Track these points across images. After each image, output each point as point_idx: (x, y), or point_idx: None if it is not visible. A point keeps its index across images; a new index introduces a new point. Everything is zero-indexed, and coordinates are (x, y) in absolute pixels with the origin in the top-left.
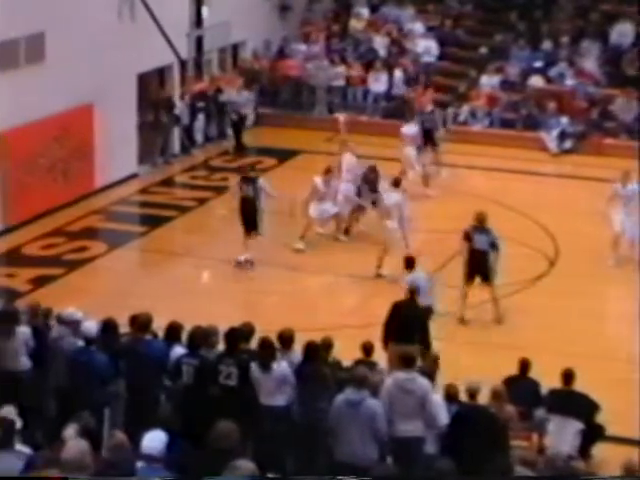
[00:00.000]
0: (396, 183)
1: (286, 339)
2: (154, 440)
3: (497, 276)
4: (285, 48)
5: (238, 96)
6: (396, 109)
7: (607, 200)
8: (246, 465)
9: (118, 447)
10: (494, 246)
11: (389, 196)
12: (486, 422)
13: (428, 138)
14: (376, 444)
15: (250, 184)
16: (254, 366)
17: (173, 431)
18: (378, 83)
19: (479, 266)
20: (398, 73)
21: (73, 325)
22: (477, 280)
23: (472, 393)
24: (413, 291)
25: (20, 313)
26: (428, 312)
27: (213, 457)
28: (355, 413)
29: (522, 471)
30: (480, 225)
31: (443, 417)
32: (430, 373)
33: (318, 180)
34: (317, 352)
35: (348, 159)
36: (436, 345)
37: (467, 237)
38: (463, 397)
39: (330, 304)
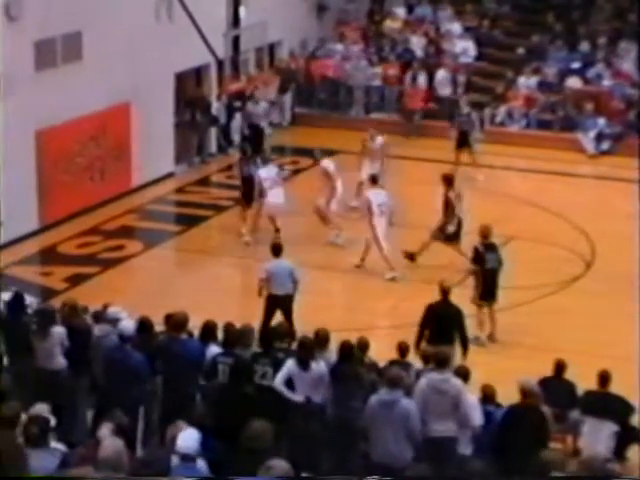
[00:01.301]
0: (374, 180)
1: (321, 338)
2: (189, 439)
3: (500, 292)
4: (321, 48)
5: (254, 107)
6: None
7: None
8: (280, 465)
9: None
10: (501, 263)
11: (375, 195)
12: (538, 421)
13: (464, 140)
14: (410, 444)
15: (251, 164)
16: (292, 364)
17: (208, 430)
18: (417, 85)
19: (492, 286)
20: (440, 73)
21: (116, 323)
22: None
23: (525, 392)
24: (447, 292)
25: (56, 312)
26: (461, 313)
27: (246, 456)
28: (389, 413)
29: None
30: (488, 241)
31: (477, 418)
32: (465, 374)
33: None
34: (352, 352)
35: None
36: (472, 348)
37: (479, 258)
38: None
39: (365, 304)
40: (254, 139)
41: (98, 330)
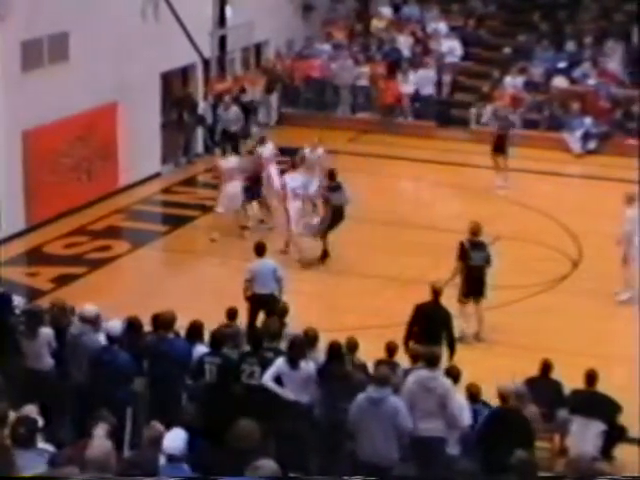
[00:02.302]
0: (294, 165)
1: (310, 338)
2: (175, 439)
3: (488, 292)
4: (308, 48)
5: (225, 113)
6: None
7: None
8: (268, 465)
9: (153, 440)
10: (489, 261)
11: (291, 179)
12: (520, 425)
13: (501, 144)
14: (398, 442)
15: None
16: (282, 362)
17: (195, 430)
18: (406, 84)
19: (476, 283)
20: (423, 73)
21: (92, 322)
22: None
23: (504, 396)
24: (438, 293)
25: (44, 313)
26: (449, 315)
27: (233, 456)
28: (377, 410)
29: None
30: (476, 239)
31: (465, 418)
32: (455, 375)
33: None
34: (340, 352)
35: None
36: (458, 346)
37: (463, 254)
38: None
39: (354, 304)
40: (228, 144)
41: (74, 329)
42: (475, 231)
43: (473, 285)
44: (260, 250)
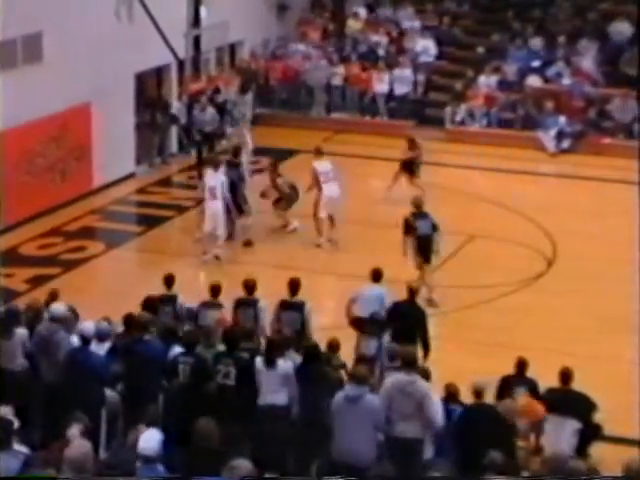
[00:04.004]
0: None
1: (334, 347)
2: (150, 440)
3: (439, 258)
4: (282, 47)
5: (200, 114)
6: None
7: None
8: (243, 465)
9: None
10: (435, 228)
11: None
12: (493, 421)
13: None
14: (374, 441)
15: (234, 169)
16: (259, 361)
17: (168, 431)
18: (382, 83)
19: (426, 251)
20: (398, 72)
21: (62, 321)
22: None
23: (478, 392)
24: (414, 292)
25: (21, 313)
26: (425, 315)
27: (199, 456)
28: (354, 408)
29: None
30: (419, 211)
31: (439, 418)
32: (427, 375)
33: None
34: (317, 352)
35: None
36: (434, 345)
37: (409, 226)
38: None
39: (328, 304)
40: (204, 146)
41: (43, 328)
42: (417, 204)
43: (422, 254)
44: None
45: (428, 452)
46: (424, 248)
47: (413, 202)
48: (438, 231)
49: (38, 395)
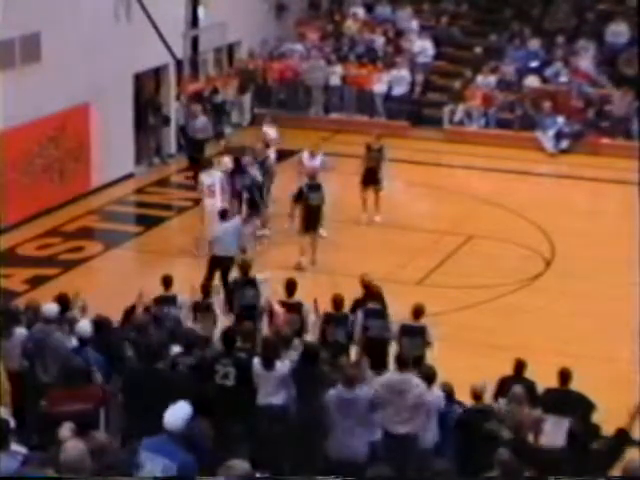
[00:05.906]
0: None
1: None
2: (176, 415)
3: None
4: (280, 48)
5: (192, 122)
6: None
7: None
8: (240, 465)
9: (99, 450)
10: (323, 201)
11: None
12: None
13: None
14: (368, 437)
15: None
16: (256, 363)
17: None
18: (380, 83)
19: (314, 219)
20: (395, 72)
21: (55, 321)
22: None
23: (477, 394)
24: (368, 287)
25: (20, 313)
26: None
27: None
28: (347, 404)
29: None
30: (313, 182)
31: (441, 404)
32: (430, 376)
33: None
34: (317, 353)
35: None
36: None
37: (301, 195)
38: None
39: (322, 303)
40: (195, 153)
41: (37, 330)
42: (312, 176)
43: (311, 221)
44: (223, 214)
45: (428, 442)
46: (312, 216)
47: (308, 175)
48: (324, 202)
49: (35, 395)
